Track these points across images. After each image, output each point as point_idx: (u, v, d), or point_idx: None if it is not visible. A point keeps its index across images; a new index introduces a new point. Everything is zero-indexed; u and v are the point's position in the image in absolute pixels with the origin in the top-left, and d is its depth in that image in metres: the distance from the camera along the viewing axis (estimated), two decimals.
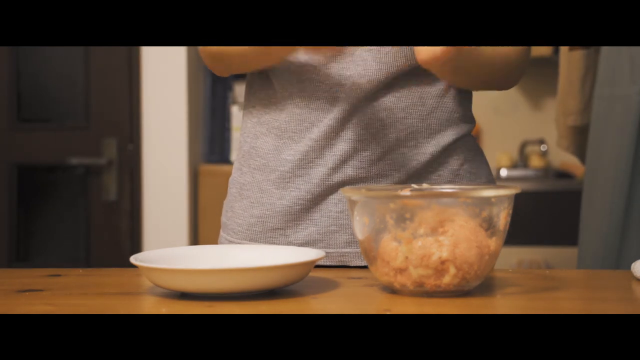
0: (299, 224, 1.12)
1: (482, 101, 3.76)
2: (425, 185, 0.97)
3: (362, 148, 1.10)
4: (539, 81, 3.72)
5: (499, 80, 1.17)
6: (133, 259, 0.89)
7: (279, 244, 1.12)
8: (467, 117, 1.18)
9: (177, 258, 0.97)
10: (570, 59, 2.16)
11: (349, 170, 1.10)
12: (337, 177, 1.11)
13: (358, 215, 0.88)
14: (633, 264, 0.97)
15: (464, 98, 1.18)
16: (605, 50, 1.88)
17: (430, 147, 1.13)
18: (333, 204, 1.11)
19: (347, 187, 0.89)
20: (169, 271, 0.85)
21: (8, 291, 0.94)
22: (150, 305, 0.86)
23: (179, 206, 2.83)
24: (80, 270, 1.08)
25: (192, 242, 2.84)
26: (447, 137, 1.14)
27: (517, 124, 3.74)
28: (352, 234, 1.11)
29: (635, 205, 1.77)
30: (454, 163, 1.15)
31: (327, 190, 1.11)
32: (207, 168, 2.93)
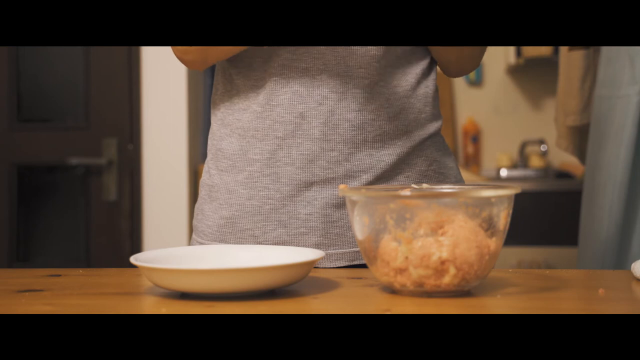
0: (267, 225, 1.12)
1: (482, 101, 3.77)
2: (425, 185, 0.97)
3: (329, 148, 1.10)
4: (539, 81, 3.72)
5: (468, 61, 1.21)
6: (133, 259, 0.89)
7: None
8: (435, 116, 1.19)
9: (177, 258, 0.97)
10: (570, 59, 2.16)
11: (316, 170, 1.10)
12: (305, 176, 1.10)
13: (358, 215, 0.88)
14: (633, 264, 0.97)
15: (431, 97, 1.18)
16: (605, 50, 1.88)
17: (397, 149, 1.13)
18: (302, 206, 1.11)
19: (347, 187, 0.89)
20: (169, 271, 0.85)
21: (8, 291, 0.94)
22: (150, 305, 0.86)
23: (179, 206, 2.83)
24: (80, 270, 1.08)
25: None
26: (414, 138, 1.15)
27: (517, 124, 3.74)
28: (321, 236, 1.11)
29: (635, 205, 1.77)
30: (422, 164, 1.16)
31: (296, 190, 1.11)
32: None
